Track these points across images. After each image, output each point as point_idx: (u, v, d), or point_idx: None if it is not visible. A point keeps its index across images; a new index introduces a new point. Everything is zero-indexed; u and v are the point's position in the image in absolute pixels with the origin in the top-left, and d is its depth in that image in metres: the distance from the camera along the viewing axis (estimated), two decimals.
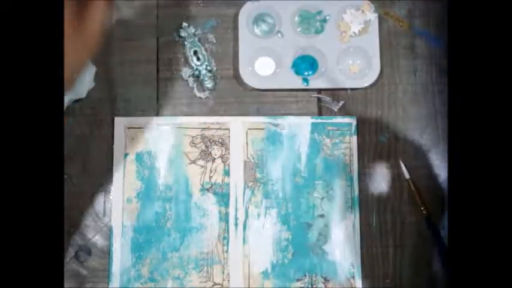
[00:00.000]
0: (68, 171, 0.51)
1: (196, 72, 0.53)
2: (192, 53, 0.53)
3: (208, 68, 0.53)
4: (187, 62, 0.53)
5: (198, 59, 0.53)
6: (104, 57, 0.53)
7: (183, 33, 0.53)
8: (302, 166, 0.52)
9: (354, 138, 0.53)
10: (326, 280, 0.51)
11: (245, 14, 0.54)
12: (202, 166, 0.52)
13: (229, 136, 0.53)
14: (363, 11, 0.54)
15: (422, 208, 0.51)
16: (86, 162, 0.52)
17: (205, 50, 0.54)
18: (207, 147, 0.52)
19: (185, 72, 0.53)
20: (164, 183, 0.52)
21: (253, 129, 0.53)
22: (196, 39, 0.53)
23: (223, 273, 0.51)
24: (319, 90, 0.54)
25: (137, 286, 0.50)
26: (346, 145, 0.53)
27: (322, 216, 0.52)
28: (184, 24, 0.53)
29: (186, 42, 0.53)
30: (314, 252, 0.51)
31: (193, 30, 0.53)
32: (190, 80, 0.53)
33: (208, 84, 0.53)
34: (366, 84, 0.53)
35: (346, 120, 0.53)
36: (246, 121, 0.53)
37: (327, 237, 0.51)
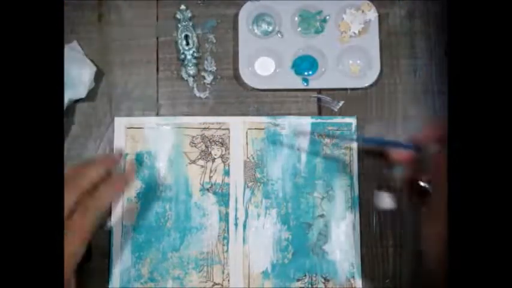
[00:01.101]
0: None
1: (182, 56, 0.53)
2: (183, 37, 0.53)
3: (195, 55, 0.53)
4: (176, 46, 0.53)
5: (188, 43, 0.53)
6: (104, 57, 0.53)
7: (178, 15, 0.53)
8: (302, 166, 0.52)
9: None
10: (326, 280, 0.51)
11: (245, 14, 0.54)
12: (202, 166, 0.52)
13: (229, 136, 0.53)
14: (363, 11, 0.54)
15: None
16: None
17: (197, 37, 0.54)
18: (207, 147, 0.52)
19: (185, 72, 0.53)
20: (164, 183, 0.52)
21: (253, 129, 0.53)
22: (191, 24, 0.53)
23: (223, 273, 0.51)
24: (319, 90, 0.54)
25: (137, 286, 0.50)
26: (346, 145, 0.53)
27: (322, 216, 0.52)
28: (183, 6, 0.53)
29: (179, 25, 0.53)
30: (314, 252, 0.51)
31: (189, 15, 0.53)
32: (190, 80, 0.54)
33: (191, 70, 0.53)
34: (366, 84, 0.53)
35: (346, 120, 0.53)
36: (246, 121, 0.53)
37: (327, 237, 0.51)
